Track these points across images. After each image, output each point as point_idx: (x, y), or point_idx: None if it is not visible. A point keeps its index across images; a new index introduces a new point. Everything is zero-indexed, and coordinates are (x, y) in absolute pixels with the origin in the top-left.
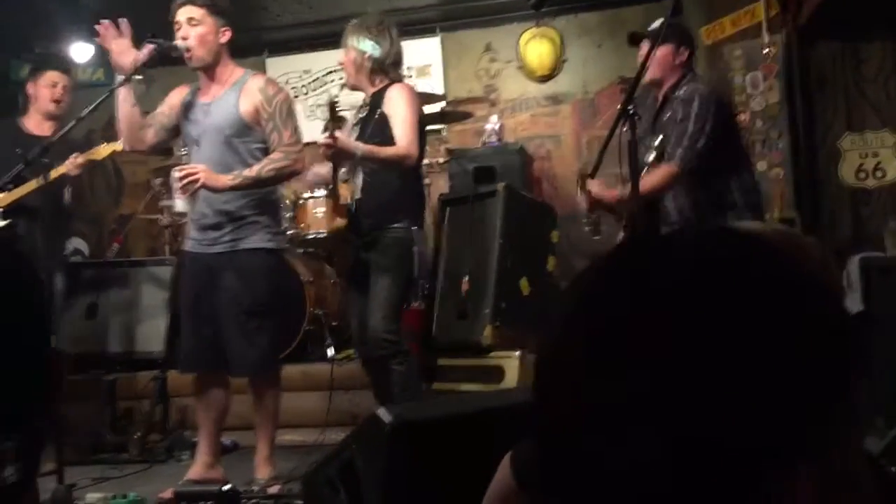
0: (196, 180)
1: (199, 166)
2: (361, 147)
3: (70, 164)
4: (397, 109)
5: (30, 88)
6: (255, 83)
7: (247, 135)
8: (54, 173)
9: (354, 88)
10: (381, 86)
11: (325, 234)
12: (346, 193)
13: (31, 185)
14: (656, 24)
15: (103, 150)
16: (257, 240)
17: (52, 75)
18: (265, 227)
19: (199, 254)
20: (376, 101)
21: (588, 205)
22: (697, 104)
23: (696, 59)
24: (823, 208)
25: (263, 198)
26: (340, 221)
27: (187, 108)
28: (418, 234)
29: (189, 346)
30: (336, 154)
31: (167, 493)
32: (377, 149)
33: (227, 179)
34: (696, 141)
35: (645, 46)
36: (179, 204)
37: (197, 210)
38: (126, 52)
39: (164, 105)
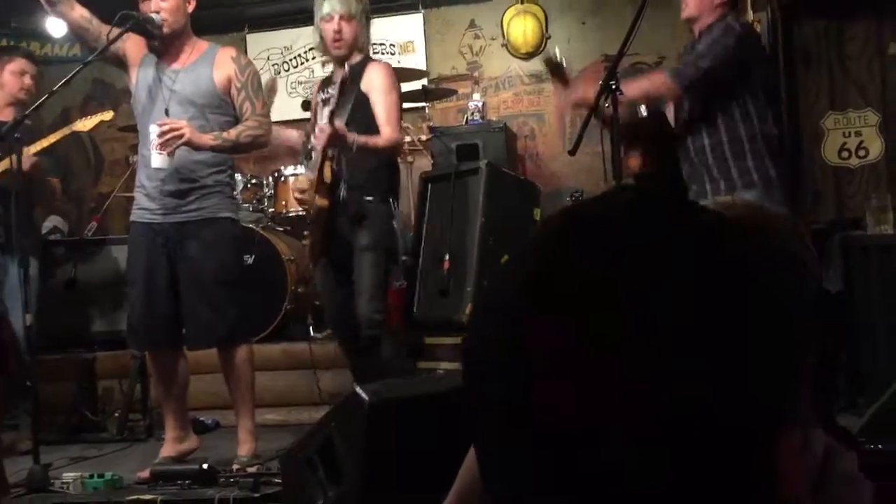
0: (181, 136)
1: (182, 122)
2: (358, 139)
3: (46, 140)
4: (382, 93)
5: None
6: (226, 54)
7: (218, 106)
8: (34, 148)
9: (342, 60)
10: (356, 59)
11: (305, 213)
12: (329, 173)
13: (4, 164)
14: None
15: (89, 122)
16: (222, 208)
17: (20, 62)
18: (228, 196)
19: (153, 223)
20: (353, 76)
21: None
22: (717, 31)
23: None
24: (807, 187)
25: (226, 168)
26: (323, 202)
27: (146, 70)
28: (395, 208)
29: (142, 323)
30: (332, 141)
31: (145, 473)
32: (371, 139)
33: (209, 139)
34: (700, 59)
35: None
36: (157, 160)
37: (154, 177)
38: None
39: (111, 29)
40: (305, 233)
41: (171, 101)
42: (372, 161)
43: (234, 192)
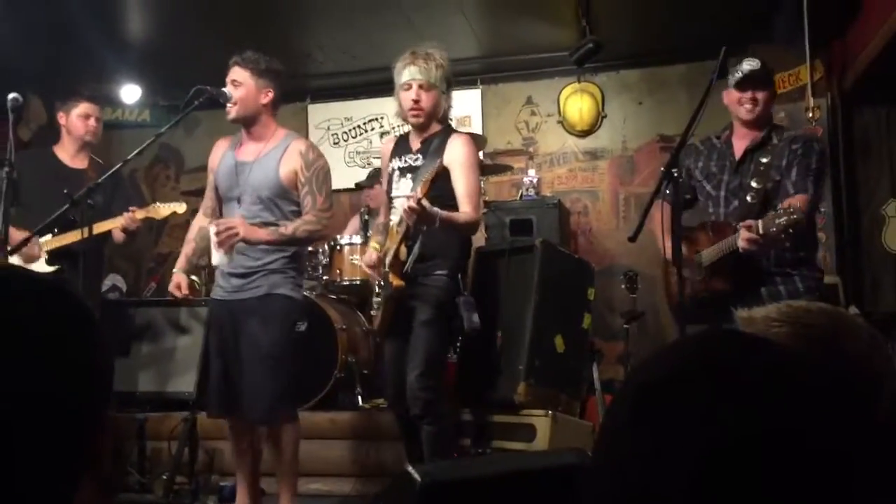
0: (235, 234)
1: (236, 220)
2: (441, 214)
3: (128, 219)
4: (464, 168)
5: (61, 119)
6: (296, 147)
7: (284, 197)
8: (109, 225)
9: (420, 129)
10: (436, 130)
11: (359, 282)
12: (404, 252)
13: (77, 236)
14: (747, 66)
15: (163, 210)
16: (279, 286)
17: (84, 106)
18: (290, 277)
19: (224, 301)
20: (434, 147)
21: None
22: (819, 147)
23: None
24: (866, 275)
25: (292, 254)
26: (399, 282)
27: (226, 163)
28: (462, 286)
29: (216, 391)
30: (419, 219)
31: None
32: (453, 216)
33: (264, 234)
34: (821, 182)
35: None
36: (217, 258)
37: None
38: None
39: (209, 186)
40: (374, 308)
41: (244, 193)
42: (443, 236)
43: (300, 274)
